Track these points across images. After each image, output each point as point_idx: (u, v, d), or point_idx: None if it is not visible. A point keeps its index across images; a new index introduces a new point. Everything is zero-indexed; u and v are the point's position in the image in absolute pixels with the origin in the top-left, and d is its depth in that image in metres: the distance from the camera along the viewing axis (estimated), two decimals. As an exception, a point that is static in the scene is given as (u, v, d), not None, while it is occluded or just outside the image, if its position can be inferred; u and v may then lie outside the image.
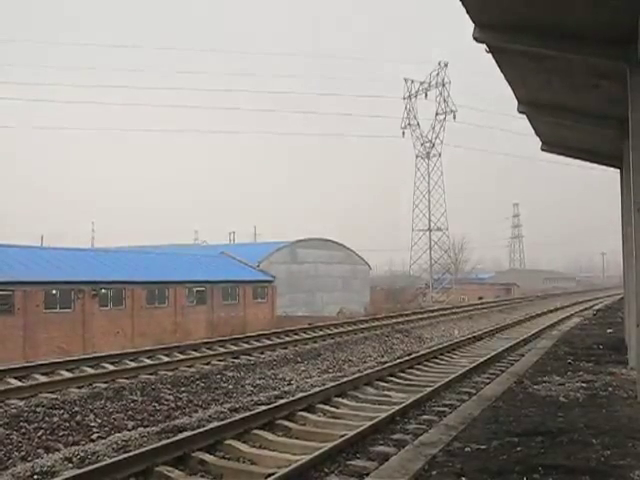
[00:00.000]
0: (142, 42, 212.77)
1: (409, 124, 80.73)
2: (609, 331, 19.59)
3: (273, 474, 7.33)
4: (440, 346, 21.34)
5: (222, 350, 20.17)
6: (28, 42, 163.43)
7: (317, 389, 12.91)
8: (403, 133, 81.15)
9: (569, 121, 13.03)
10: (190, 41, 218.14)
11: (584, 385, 10.00)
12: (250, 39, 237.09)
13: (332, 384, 13.37)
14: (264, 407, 11.12)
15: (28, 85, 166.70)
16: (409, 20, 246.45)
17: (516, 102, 12.68)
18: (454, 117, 78.42)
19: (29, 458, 8.99)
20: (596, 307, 39.76)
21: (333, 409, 11.58)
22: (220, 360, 18.14)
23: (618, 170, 15.23)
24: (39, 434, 10.11)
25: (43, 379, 14.68)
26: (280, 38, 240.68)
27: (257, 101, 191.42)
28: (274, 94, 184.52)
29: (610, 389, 9.58)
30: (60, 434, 10.29)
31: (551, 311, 42.42)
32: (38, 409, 11.26)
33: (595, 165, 18.10)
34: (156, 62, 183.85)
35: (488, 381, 13.08)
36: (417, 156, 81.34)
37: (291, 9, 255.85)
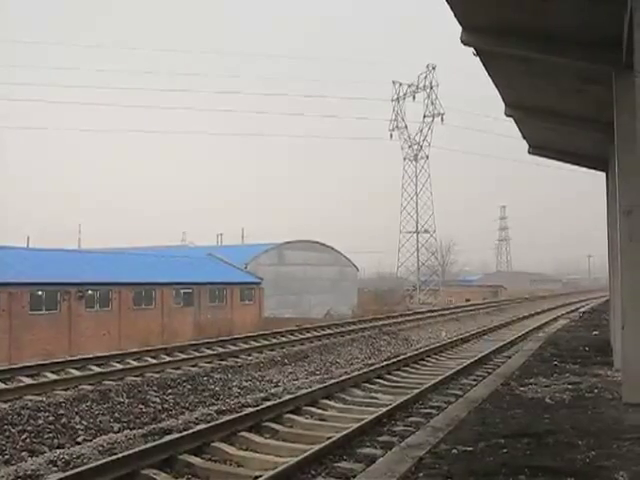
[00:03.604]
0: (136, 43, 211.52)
1: (397, 126, 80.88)
2: (595, 333, 19.70)
3: (260, 476, 7.31)
4: (427, 348, 21.39)
5: (209, 352, 20.11)
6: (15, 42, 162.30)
7: (304, 391, 12.90)
8: (391, 135, 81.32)
9: (556, 124, 13.11)
10: (174, 42, 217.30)
11: (570, 387, 10.04)
12: (238, 40, 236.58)
13: (319, 386, 13.37)
14: (251, 409, 11.10)
15: (24, 85, 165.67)
16: (399, 22, 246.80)
17: (503, 105, 12.75)
18: (442, 120, 78.71)
19: (13, 461, 8.91)
20: (582, 309, 39.99)
21: (320, 411, 11.56)
22: (207, 362, 18.09)
23: (604, 173, 15.34)
24: (23, 437, 10.03)
25: (28, 381, 14.56)
26: (267, 39, 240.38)
27: (244, 102, 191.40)
28: (261, 96, 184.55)
29: (596, 391, 9.63)
30: (45, 437, 10.20)
31: (537, 313, 42.61)
32: (23, 412, 11.17)
33: (583, 168, 18.22)
34: (149, 64, 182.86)
35: (475, 383, 13.10)
36: (405, 158, 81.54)
37: (280, 10, 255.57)
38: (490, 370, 15.08)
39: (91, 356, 18.61)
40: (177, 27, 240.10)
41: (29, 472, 8.11)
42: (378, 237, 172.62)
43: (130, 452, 8.19)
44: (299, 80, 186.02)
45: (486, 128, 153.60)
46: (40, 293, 31.32)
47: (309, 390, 12.91)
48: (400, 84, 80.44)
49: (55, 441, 10.07)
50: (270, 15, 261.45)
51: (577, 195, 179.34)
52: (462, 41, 8.79)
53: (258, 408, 10.95)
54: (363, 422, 9.75)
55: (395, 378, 15.34)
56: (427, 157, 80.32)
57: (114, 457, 8.01)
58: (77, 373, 15.79)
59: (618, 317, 9.19)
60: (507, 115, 13.08)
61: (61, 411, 11.50)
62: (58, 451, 9.18)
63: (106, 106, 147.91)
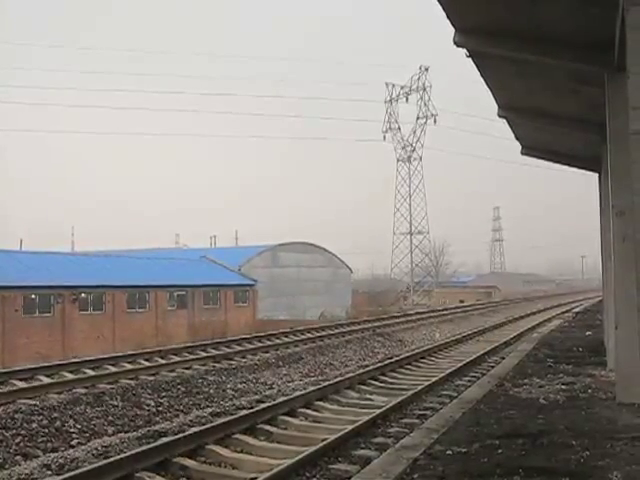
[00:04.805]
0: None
1: (390, 128, 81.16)
2: (588, 333, 19.75)
3: (255, 479, 7.30)
4: (421, 349, 21.42)
5: (203, 354, 20.07)
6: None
7: (299, 393, 12.89)
8: (384, 137, 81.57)
9: (549, 125, 13.14)
10: (173, 43, 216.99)
11: (564, 387, 10.06)
12: (237, 41, 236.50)
13: (314, 388, 13.36)
14: (245, 411, 11.10)
15: (20, 88, 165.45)
16: (399, 22, 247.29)
17: (496, 106, 12.77)
18: (435, 121, 78.99)
19: (6, 466, 8.86)
20: (575, 310, 40.05)
21: (315, 413, 11.55)
22: (201, 364, 18.05)
23: (597, 174, 15.39)
24: (17, 441, 9.98)
25: (22, 385, 14.49)
26: (267, 40, 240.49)
27: (241, 103, 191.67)
28: (257, 97, 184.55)
29: (589, 391, 9.66)
30: (39, 440, 10.16)
31: (531, 314, 42.71)
32: (16, 415, 11.12)
33: (576, 169, 18.27)
34: (146, 65, 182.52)
35: (469, 384, 13.13)
36: (398, 160, 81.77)
37: (280, 10, 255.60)
38: (484, 371, 15.09)
39: (85, 359, 18.56)
40: (176, 28, 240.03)
41: (23, 476, 8.08)
42: (372, 238, 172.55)
43: (124, 455, 8.18)
44: (297, 81, 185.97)
45: (481, 129, 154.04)
46: (33, 296, 31.24)
47: (303, 392, 12.90)
48: (393, 85, 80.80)
49: (49, 445, 10.04)
50: (270, 15, 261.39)
51: (571, 196, 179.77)
52: (455, 42, 8.81)
53: (252, 410, 10.95)
54: (358, 424, 9.75)
55: (389, 379, 15.34)
56: (420, 158, 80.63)
57: (108, 460, 8.00)
58: (71, 376, 15.73)
59: (611, 318, 9.22)
60: (500, 116, 13.11)
61: (55, 414, 11.45)
62: (52, 455, 9.14)
63: (100, 108, 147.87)
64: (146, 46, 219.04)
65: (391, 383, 14.94)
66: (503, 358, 16.52)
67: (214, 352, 20.68)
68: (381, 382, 14.95)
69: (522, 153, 17.18)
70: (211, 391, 14.69)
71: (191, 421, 11.15)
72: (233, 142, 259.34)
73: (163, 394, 13.81)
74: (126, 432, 10.76)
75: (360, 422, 9.87)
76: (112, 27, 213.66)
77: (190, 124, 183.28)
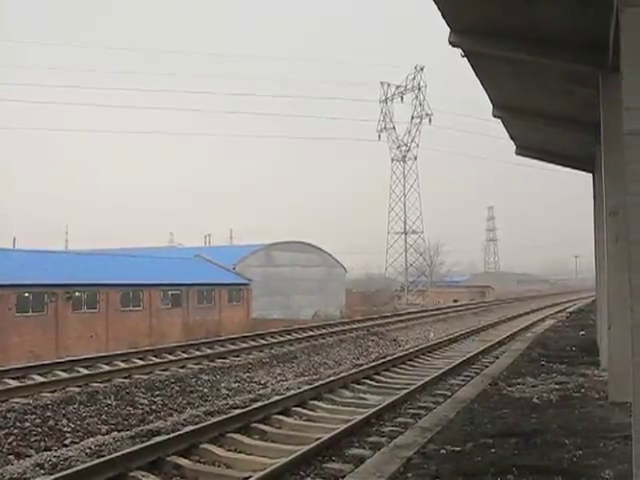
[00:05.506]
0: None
1: (385, 127, 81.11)
2: (581, 333, 19.81)
3: (249, 478, 7.30)
4: (415, 349, 21.43)
5: (197, 353, 20.06)
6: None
7: (293, 392, 12.89)
8: (379, 136, 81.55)
9: (544, 126, 13.18)
10: (171, 44, 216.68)
11: (557, 386, 10.10)
12: (237, 41, 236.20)
13: (308, 387, 13.36)
14: (239, 410, 11.08)
15: (16, 85, 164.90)
16: (399, 22, 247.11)
17: (491, 106, 12.80)
18: (430, 121, 79.00)
19: (-1, 464, 8.85)
20: (569, 309, 40.18)
21: (309, 412, 11.55)
22: (195, 363, 18.04)
23: (591, 174, 15.42)
24: (10, 440, 9.96)
25: (15, 384, 14.45)
26: (267, 40, 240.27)
27: (238, 104, 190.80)
28: (256, 97, 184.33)
29: (582, 390, 9.69)
30: (32, 440, 10.15)
31: (525, 313, 42.80)
32: (9, 414, 11.09)
33: (570, 169, 18.31)
34: (136, 64, 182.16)
35: (463, 383, 13.14)
36: (393, 159, 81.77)
37: (280, 10, 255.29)
38: (478, 370, 15.12)
39: (78, 358, 18.52)
40: (176, 28, 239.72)
41: (16, 475, 8.05)
42: (367, 238, 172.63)
43: (118, 454, 8.16)
44: (297, 81, 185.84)
45: (477, 130, 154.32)
46: (27, 295, 31.07)
47: (298, 391, 12.90)
48: (388, 85, 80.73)
49: (42, 444, 10.02)
50: (270, 15, 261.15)
51: (566, 196, 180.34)
52: (450, 42, 8.82)
53: (247, 409, 10.93)
54: (352, 423, 9.75)
55: (383, 379, 15.35)
56: (415, 158, 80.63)
57: (102, 459, 7.98)
58: (64, 375, 15.70)
59: (604, 317, 9.26)
60: (495, 116, 13.13)
61: (48, 413, 11.43)
62: (45, 454, 9.12)
63: (100, 107, 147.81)
64: (146, 46, 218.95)
65: (385, 382, 14.94)
66: (497, 358, 16.57)
67: (208, 351, 20.68)
68: (375, 381, 14.95)
69: (516, 153, 17.21)
70: (205, 390, 14.69)
71: (185, 420, 11.14)
72: (232, 141, 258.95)
73: (157, 393, 13.79)
74: (120, 431, 10.75)
75: (354, 421, 9.87)
76: (112, 26, 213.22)
77: (189, 123, 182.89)
